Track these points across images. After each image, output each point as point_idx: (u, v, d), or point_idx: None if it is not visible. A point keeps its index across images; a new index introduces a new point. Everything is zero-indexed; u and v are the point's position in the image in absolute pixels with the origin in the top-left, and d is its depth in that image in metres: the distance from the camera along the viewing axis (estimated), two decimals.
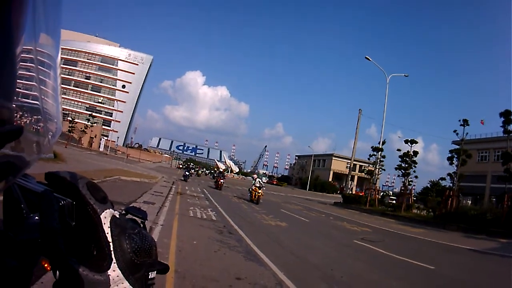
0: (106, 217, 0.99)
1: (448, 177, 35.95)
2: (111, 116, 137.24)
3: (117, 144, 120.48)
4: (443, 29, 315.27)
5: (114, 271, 0.96)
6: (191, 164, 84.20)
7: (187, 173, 46.29)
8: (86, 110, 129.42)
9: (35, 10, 0.66)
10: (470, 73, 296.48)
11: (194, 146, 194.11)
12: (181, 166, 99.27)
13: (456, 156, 35.40)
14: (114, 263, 0.96)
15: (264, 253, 10.61)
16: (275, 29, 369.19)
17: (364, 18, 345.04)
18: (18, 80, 0.67)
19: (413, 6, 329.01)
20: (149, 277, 1.06)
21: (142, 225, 1.43)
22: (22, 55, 0.66)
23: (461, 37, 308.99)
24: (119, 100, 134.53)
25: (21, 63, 0.66)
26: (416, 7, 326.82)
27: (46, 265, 1.02)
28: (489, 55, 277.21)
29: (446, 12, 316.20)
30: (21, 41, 0.64)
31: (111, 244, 0.97)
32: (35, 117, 0.79)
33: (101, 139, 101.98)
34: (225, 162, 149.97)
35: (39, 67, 0.74)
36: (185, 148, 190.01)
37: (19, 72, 0.67)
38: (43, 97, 0.78)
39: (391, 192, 66.96)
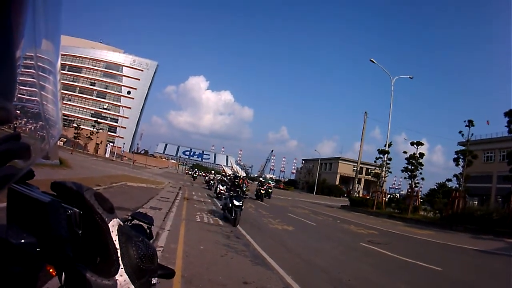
0: (113, 225, 1.02)
1: (454, 178, 35.89)
2: (117, 122, 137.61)
3: (123, 150, 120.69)
4: (448, 29, 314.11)
5: (122, 276, 0.99)
6: (235, 172, 34.49)
7: (236, 202, 16.86)
8: (91, 116, 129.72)
9: (35, 15, 0.66)
10: (475, 73, 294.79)
11: (201, 152, 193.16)
12: (204, 174, 77.43)
13: (462, 157, 35.32)
14: (122, 268, 0.99)
15: (271, 257, 10.62)
16: (278, 32, 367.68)
17: (369, 20, 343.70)
18: (19, 86, 0.68)
19: (417, 7, 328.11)
20: (152, 282, 1.09)
21: (148, 231, 1.45)
22: (22, 61, 0.67)
23: (465, 37, 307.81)
24: (125, 106, 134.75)
25: (21, 69, 0.68)
26: (420, 8, 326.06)
27: (51, 270, 1.04)
28: (493, 54, 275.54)
29: (451, 13, 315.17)
30: (21, 46, 0.65)
31: (118, 250, 1.00)
32: (36, 121, 0.80)
33: (107, 145, 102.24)
34: (232, 167, 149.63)
35: (40, 72, 0.75)
36: (192, 153, 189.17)
37: (20, 77, 0.68)
38: (43, 102, 0.80)
39: (398, 195, 66.89)
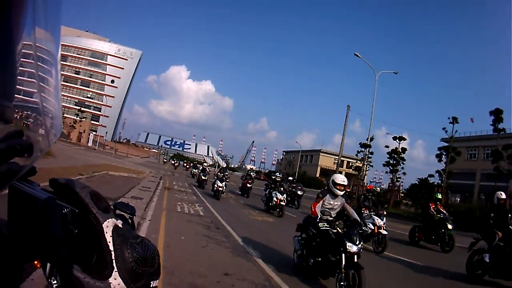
0: (108, 226, 1.02)
1: (437, 174, 36.24)
2: (100, 111, 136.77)
3: (105, 139, 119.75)
4: (432, 25, 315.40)
5: (115, 279, 0.98)
6: (216, 162, 28.74)
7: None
8: (75, 105, 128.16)
9: (35, 6, 0.66)
10: (460, 71, 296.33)
11: (182, 141, 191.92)
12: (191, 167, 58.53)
13: (444, 153, 35.66)
14: (116, 271, 0.99)
15: (252, 249, 10.69)
16: (260, 24, 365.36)
17: (354, 13, 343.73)
18: (18, 78, 0.67)
19: (402, 2, 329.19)
20: (151, 286, 1.08)
21: (130, 221, 1.45)
22: (22, 51, 0.66)
23: (450, 34, 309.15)
24: (108, 95, 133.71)
25: (21, 60, 0.67)
26: (405, 3, 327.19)
27: (36, 262, 1.04)
28: (478, 52, 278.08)
29: (435, 8, 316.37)
30: (21, 39, 0.64)
31: (112, 253, 1.00)
32: (35, 115, 0.79)
33: (89, 134, 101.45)
34: (213, 157, 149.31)
35: (39, 64, 0.74)
36: (173, 143, 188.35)
37: (20, 68, 0.67)
38: (43, 94, 0.79)
39: (378, 189, 67.41)
